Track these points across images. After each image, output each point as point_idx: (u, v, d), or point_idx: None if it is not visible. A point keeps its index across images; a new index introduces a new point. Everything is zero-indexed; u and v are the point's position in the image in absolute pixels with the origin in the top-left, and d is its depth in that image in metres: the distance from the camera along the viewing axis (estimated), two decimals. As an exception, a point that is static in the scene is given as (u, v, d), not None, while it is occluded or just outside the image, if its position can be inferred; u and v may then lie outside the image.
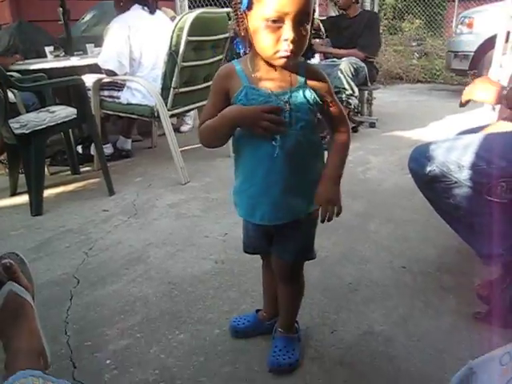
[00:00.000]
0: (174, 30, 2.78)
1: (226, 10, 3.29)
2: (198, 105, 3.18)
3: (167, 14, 3.77)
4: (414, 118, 4.56)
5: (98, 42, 4.01)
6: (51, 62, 3.61)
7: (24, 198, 2.63)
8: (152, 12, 3.25)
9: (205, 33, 2.91)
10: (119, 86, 3.16)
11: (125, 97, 3.09)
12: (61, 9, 3.89)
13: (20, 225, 2.39)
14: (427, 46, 9.05)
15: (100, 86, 3.16)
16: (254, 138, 1.10)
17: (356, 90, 3.73)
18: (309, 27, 1.02)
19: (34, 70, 3.31)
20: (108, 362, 1.37)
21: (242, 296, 1.65)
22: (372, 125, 4.30)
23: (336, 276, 1.77)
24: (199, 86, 3.08)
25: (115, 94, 3.14)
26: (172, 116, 3.00)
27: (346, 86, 3.66)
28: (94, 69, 3.39)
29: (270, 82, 1.08)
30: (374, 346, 1.39)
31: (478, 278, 1.68)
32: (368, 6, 4.29)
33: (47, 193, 2.68)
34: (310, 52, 1.11)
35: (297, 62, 1.08)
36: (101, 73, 3.24)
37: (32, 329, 1.15)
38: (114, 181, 2.79)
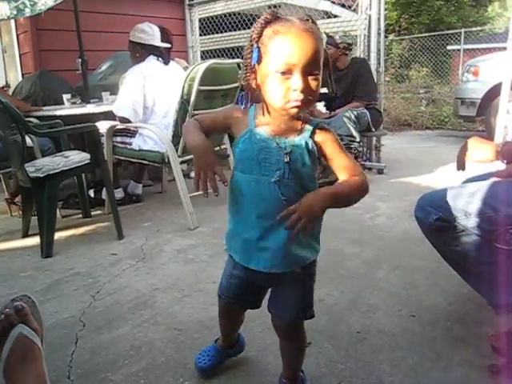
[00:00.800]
0: (185, 80, 2.88)
1: (236, 60, 3.41)
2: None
3: (180, 65, 3.92)
4: (423, 165, 4.60)
5: (113, 90, 4.17)
6: (68, 108, 3.74)
7: (35, 240, 2.66)
8: (166, 63, 3.38)
9: (215, 82, 3.01)
10: (132, 133, 3.25)
11: (137, 143, 3.17)
12: (79, 59, 4.07)
13: (30, 266, 2.41)
14: (434, 94, 9.23)
15: (113, 132, 3.25)
16: (253, 183, 1.11)
17: (357, 135, 3.81)
18: (320, 77, 1.03)
19: (51, 116, 3.42)
20: (111, 409, 1.36)
21: (250, 342, 1.63)
22: (380, 171, 4.33)
23: (344, 324, 1.75)
24: (210, 134, 3.15)
25: (127, 140, 3.23)
26: (182, 162, 3.06)
27: (347, 133, 3.74)
28: (109, 116, 3.50)
29: (275, 129, 1.11)
30: (383, 397, 1.36)
31: (491, 328, 1.64)
32: (374, 56, 4.40)
33: (58, 235, 2.70)
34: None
35: (307, 116, 1.12)
36: (115, 120, 3.34)
37: (40, 373, 1.15)
38: (124, 225, 2.82)
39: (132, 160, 3.25)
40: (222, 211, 3.09)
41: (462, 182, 1.75)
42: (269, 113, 1.10)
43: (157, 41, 3.36)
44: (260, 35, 1.04)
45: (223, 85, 3.08)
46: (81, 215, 3.23)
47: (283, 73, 1.00)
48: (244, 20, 5.50)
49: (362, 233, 2.73)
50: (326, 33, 4.18)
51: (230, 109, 1.20)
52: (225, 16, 5.72)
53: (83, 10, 4.15)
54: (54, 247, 2.56)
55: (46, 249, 2.52)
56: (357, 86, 4.08)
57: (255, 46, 1.05)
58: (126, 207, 3.38)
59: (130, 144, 3.20)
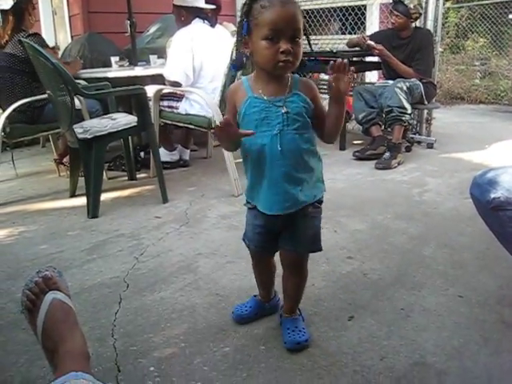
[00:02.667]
0: (235, 44, 2.81)
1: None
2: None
3: (228, 29, 3.84)
4: (475, 141, 4.39)
5: (161, 53, 4.16)
6: (116, 71, 3.75)
7: (82, 200, 2.73)
8: (212, 25, 3.32)
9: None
10: (178, 97, 3.24)
11: (183, 107, 3.16)
12: (128, 21, 4.05)
13: (77, 226, 2.48)
14: (492, 66, 8.73)
15: (160, 96, 3.24)
16: (258, 139, 1.28)
17: (408, 107, 3.64)
18: (301, 41, 1.23)
19: (99, 78, 3.45)
20: (152, 369, 1.38)
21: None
22: (430, 145, 4.17)
23: (388, 300, 1.71)
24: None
25: (174, 104, 3.22)
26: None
27: (398, 104, 3.58)
28: (156, 79, 3.50)
29: (269, 91, 1.30)
30: (426, 378, 1.32)
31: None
32: (431, 25, 4.16)
33: (104, 197, 2.75)
34: (303, 65, 1.30)
35: (291, 76, 1.32)
36: (161, 83, 3.33)
37: (79, 333, 1.17)
38: (169, 189, 2.84)
39: (179, 124, 3.25)
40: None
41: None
42: (262, 79, 1.30)
43: (201, 2, 3.29)
44: (249, 10, 1.23)
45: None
46: (126, 177, 3.28)
47: (271, 39, 1.20)
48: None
49: (409, 207, 2.64)
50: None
51: (228, 94, 1.41)
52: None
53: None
54: (100, 208, 2.62)
55: (93, 209, 2.58)
56: (416, 58, 3.86)
57: (245, 20, 1.25)
58: (172, 171, 3.40)
59: (177, 108, 3.19)
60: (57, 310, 1.17)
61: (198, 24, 3.26)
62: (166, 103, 3.27)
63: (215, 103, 2.91)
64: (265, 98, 1.29)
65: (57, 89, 2.54)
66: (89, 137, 2.51)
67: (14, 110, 3.01)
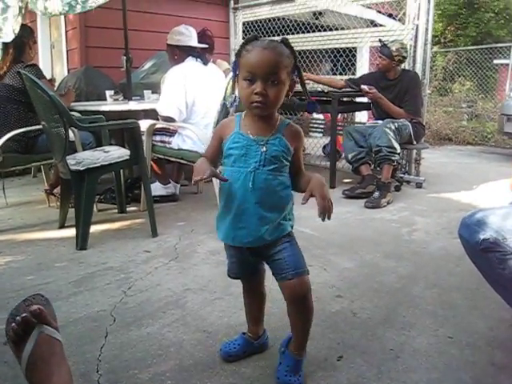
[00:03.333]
0: (228, 82, 2.88)
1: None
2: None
3: (222, 66, 3.94)
4: (463, 181, 4.46)
5: (154, 88, 4.23)
6: (110, 104, 3.80)
7: (71, 232, 2.70)
8: (205, 63, 3.41)
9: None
10: (171, 132, 3.28)
11: (176, 142, 3.19)
12: (124, 57, 4.13)
13: (65, 257, 2.45)
14: (478, 109, 8.97)
15: (153, 130, 3.28)
16: (234, 174, 1.34)
17: (397, 146, 3.72)
18: (280, 87, 1.30)
19: (93, 111, 3.49)
20: (137, 407, 1.34)
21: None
22: (419, 185, 4.23)
23: (377, 340, 1.69)
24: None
25: (167, 139, 3.26)
26: (220, 164, 3.04)
27: (387, 144, 3.65)
28: (149, 114, 3.54)
29: (255, 129, 1.36)
30: (416, 421, 1.30)
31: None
32: (419, 68, 4.28)
33: (93, 228, 2.73)
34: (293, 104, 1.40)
35: (281, 118, 1.39)
36: (154, 118, 3.37)
37: (65, 369, 1.15)
38: (158, 223, 2.83)
39: (170, 159, 3.27)
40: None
41: (510, 203, 1.67)
42: (249, 117, 1.37)
43: (194, 42, 3.39)
44: (239, 53, 1.33)
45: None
46: (116, 210, 3.27)
47: (248, 80, 1.29)
48: (288, 25, 5.49)
49: (398, 246, 2.65)
50: (381, 41, 4.07)
51: (218, 127, 1.47)
52: (269, 20, 5.72)
53: (130, 9, 4.21)
54: (89, 240, 2.60)
55: (81, 241, 2.55)
56: (404, 99, 3.97)
57: (235, 61, 1.35)
58: (162, 205, 3.40)
59: (170, 143, 3.22)
60: (44, 344, 1.15)
61: (190, 62, 3.35)
62: (158, 138, 3.31)
63: (208, 138, 2.94)
64: (249, 135, 1.35)
65: (51, 120, 2.56)
66: (81, 169, 2.51)
67: (8, 139, 3.02)
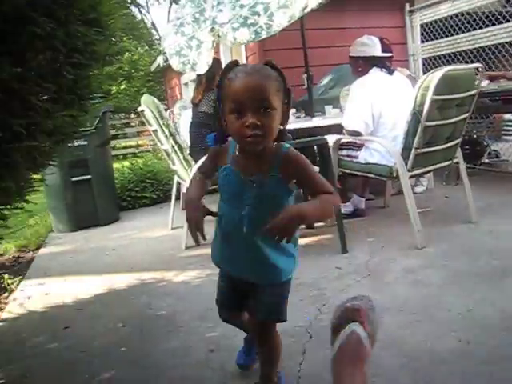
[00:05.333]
0: (418, 89, 2.72)
1: (473, 65, 3.11)
2: (438, 166, 3.02)
3: (403, 73, 3.76)
4: None
5: (334, 103, 4.23)
6: (294, 122, 3.90)
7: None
8: (390, 73, 3.28)
9: (451, 91, 2.76)
10: (358, 146, 3.23)
11: (363, 156, 3.13)
12: (305, 75, 4.23)
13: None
14: None
15: (339, 145, 3.27)
16: (229, 213, 1.28)
17: None
18: (274, 114, 1.15)
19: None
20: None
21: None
22: None
23: None
24: (441, 147, 2.91)
25: (353, 153, 3.22)
26: (411, 177, 2.89)
27: None
28: (331, 129, 3.53)
29: (247, 166, 1.23)
30: None
31: None
32: None
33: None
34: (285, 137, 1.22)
35: (277, 148, 1.22)
36: (337, 133, 3.35)
37: (364, 379, 1.15)
38: (347, 239, 2.79)
39: (357, 173, 3.22)
40: (453, 231, 2.89)
41: None
42: (242, 151, 1.23)
43: (377, 51, 3.29)
44: (221, 83, 1.19)
45: (459, 93, 2.81)
46: (304, 226, 3.33)
47: (236, 112, 1.14)
48: (474, 19, 4.97)
49: None
50: None
51: (211, 152, 1.35)
52: (450, 18, 5.29)
53: (307, 28, 4.30)
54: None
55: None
56: None
57: (217, 91, 1.21)
58: (349, 221, 3.35)
59: (356, 157, 3.18)
60: (352, 342, 1.18)
61: (375, 73, 3.26)
62: (345, 152, 3.29)
63: (397, 151, 2.82)
64: (241, 175, 1.24)
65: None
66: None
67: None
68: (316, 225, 3.34)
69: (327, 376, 1.54)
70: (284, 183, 1.23)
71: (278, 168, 1.22)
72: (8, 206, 1.90)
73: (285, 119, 1.21)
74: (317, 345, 1.76)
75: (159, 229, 3.94)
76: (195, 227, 1.23)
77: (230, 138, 1.28)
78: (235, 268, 1.38)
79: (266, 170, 1.22)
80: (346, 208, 3.49)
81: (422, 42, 5.60)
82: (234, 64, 1.21)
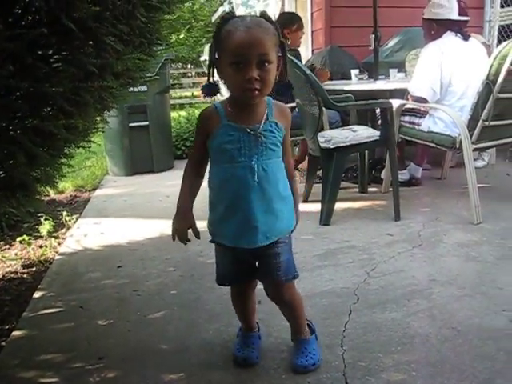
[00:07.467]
0: (495, 58, 2.56)
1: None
2: (504, 141, 2.88)
3: (478, 40, 3.54)
4: None
5: (399, 67, 4.06)
6: (356, 84, 3.80)
7: (314, 206, 2.83)
8: (466, 39, 3.09)
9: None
10: (421, 113, 3.11)
11: (426, 124, 3.01)
12: (373, 35, 4.07)
13: (309, 231, 2.58)
14: None
15: (401, 111, 3.17)
16: (234, 171, 1.25)
17: None
18: (272, 66, 1.17)
19: (337, 90, 3.53)
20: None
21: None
22: None
23: None
24: (511, 121, 2.77)
25: (416, 120, 3.10)
26: (475, 150, 2.77)
27: None
28: (394, 94, 3.42)
29: (244, 118, 1.25)
30: None
31: None
32: None
33: (335, 206, 2.78)
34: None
35: (266, 99, 1.27)
36: (400, 98, 3.24)
37: None
38: (401, 207, 2.75)
39: (419, 141, 3.12)
40: (510, 209, 2.77)
41: None
42: (236, 105, 1.25)
43: (454, 15, 3.09)
44: (218, 35, 1.18)
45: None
46: (357, 189, 3.30)
47: (236, 64, 1.14)
48: None
49: None
50: None
51: (198, 122, 1.32)
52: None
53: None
54: (332, 217, 2.67)
55: (326, 217, 2.65)
56: None
57: (213, 45, 1.21)
58: (403, 189, 3.28)
59: (419, 124, 3.06)
60: None
61: (449, 37, 3.08)
62: (407, 118, 3.17)
63: (463, 122, 2.70)
64: (241, 125, 1.24)
65: (307, 98, 2.68)
66: (331, 147, 2.58)
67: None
68: (369, 189, 3.29)
69: (371, 338, 1.58)
70: (281, 128, 1.29)
71: (272, 114, 1.28)
72: (73, 145, 1.97)
73: (281, 72, 1.25)
74: (363, 307, 1.78)
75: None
76: (179, 239, 1.33)
77: (216, 101, 1.35)
78: (245, 239, 1.30)
79: (262, 118, 1.27)
80: (402, 176, 3.41)
81: (502, 6, 5.22)
82: (231, 15, 1.20)
